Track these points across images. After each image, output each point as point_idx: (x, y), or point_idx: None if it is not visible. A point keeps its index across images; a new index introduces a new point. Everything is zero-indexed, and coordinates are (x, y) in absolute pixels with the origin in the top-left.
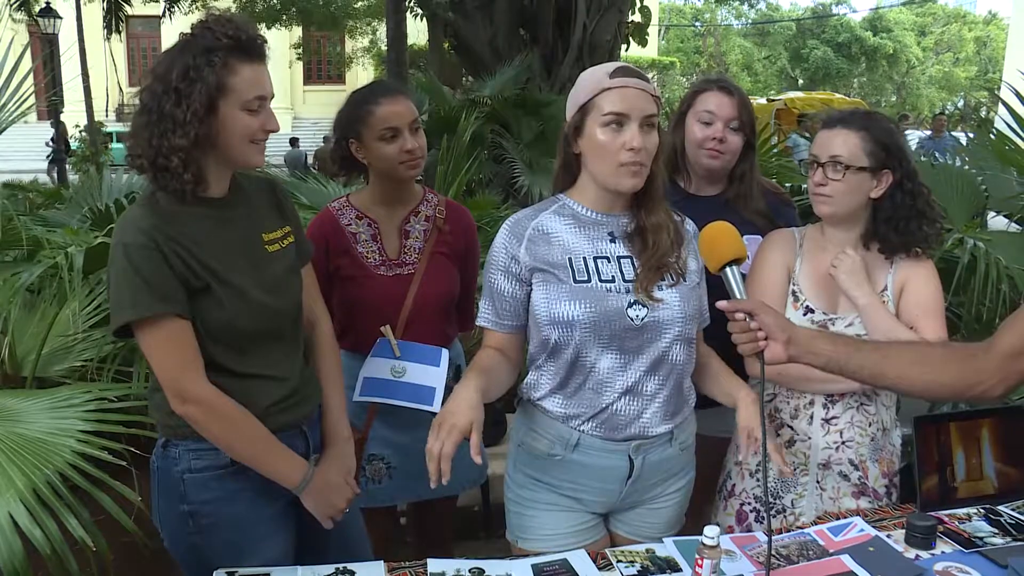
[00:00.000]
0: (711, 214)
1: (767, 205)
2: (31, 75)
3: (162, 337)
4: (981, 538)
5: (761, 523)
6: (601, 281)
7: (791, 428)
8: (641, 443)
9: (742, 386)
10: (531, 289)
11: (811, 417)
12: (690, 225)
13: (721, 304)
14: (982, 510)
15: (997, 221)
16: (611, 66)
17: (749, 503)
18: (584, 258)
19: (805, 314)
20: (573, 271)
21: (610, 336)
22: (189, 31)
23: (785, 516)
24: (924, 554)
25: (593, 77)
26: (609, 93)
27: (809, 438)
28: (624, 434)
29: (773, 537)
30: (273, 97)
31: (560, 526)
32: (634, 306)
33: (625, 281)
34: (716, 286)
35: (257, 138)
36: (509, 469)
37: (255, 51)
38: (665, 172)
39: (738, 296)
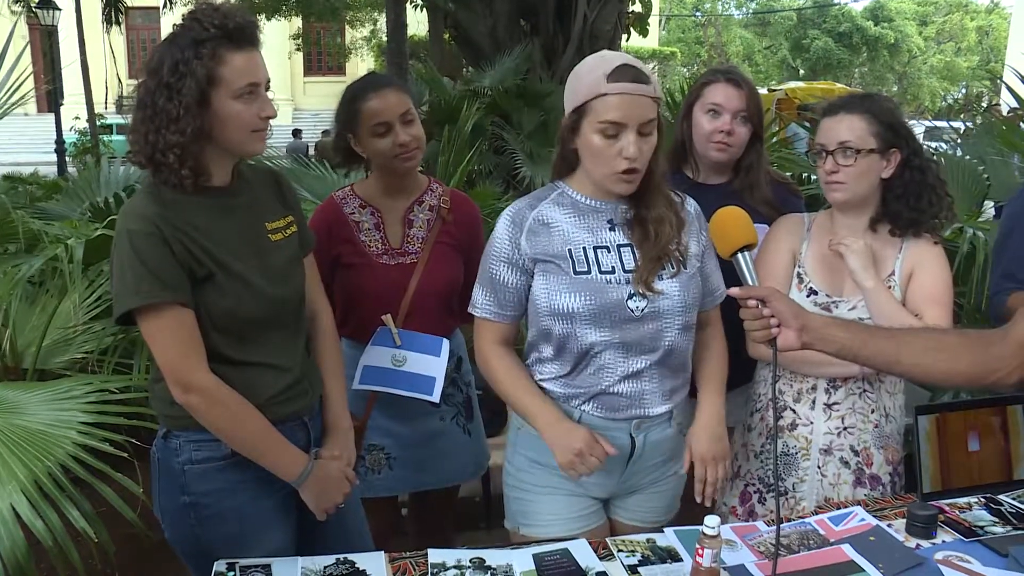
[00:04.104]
0: (718, 203)
1: (774, 195)
2: (28, 64)
3: (165, 325)
4: (982, 527)
5: (764, 504)
6: (601, 272)
7: (793, 411)
8: (641, 421)
9: (704, 406)
10: (532, 279)
11: (813, 402)
12: (691, 205)
13: (733, 291)
14: (983, 499)
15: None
16: (609, 65)
17: (753, 484)
18: (584, 248)
19: (808, 295)
20: (573, 262)
21: (611, 326)
22: (179, 23)
23: (786, 499)
24: (925, 543)
25: (591, 77)
26: (606, 99)
27: (811, 423)
28: (624, 414)
29: (774, 527)
30: (269, 82)
31: (561, 511)
32: (634, 297)
33: (625, 272)
34: (728, 268)
35: (256, 127)
36: (508, 454)
37: (245, 38)
38: (666, 163)
39: (750, 282)
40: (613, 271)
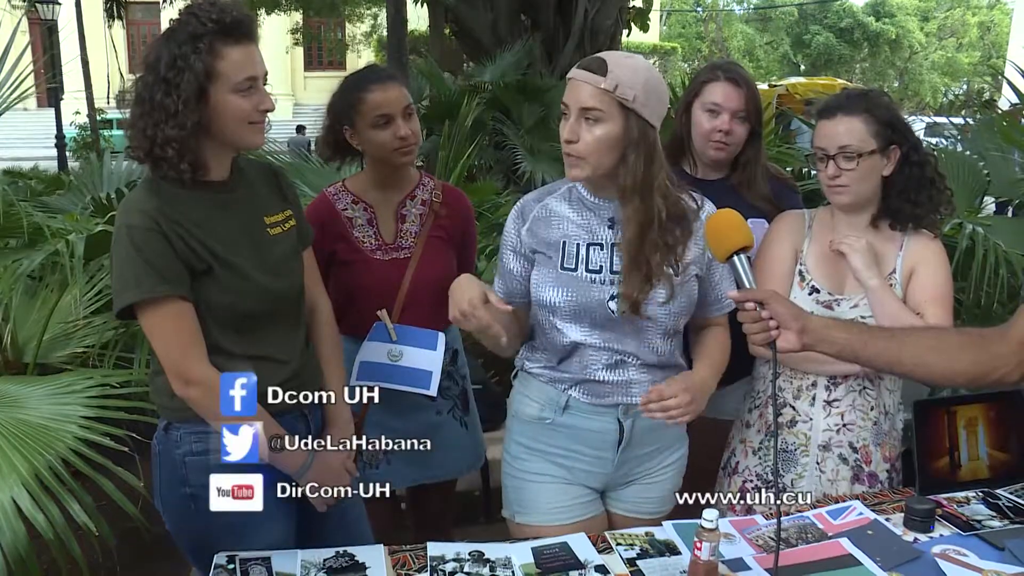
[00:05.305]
0: (716, 198)
1: (772, 190)
2: (28, 60)
3: (165, 319)
4: (979, 521)
5: (762, 503)
6: (588, 271)
7: (793, 408)
8: (628, 407)
9: (694, 371)
10: (533, 267)
11: (813, 399)
12: (705, 213)
13: (731, 294)
14: (980, 493)
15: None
16: (590, 58)
17: (751, 480)
18: (577, 244)
19: (811, 293)
20: (563, 256)
21: (591, 324)
22: (176, 18)
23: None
24: (923, 537)
25: None
26: (568, 83)
27: (811, 419)
28: (610, 400)
29: (772, 521)
30: (267, 74)
31: (555, 500)
32: (616, 298)
33: (612, 272)
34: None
35: (253, 119)
36: (505, 443)
37: (242, 32)
38: (644, 166)
39: (747, 285)
40: (600, 270)
